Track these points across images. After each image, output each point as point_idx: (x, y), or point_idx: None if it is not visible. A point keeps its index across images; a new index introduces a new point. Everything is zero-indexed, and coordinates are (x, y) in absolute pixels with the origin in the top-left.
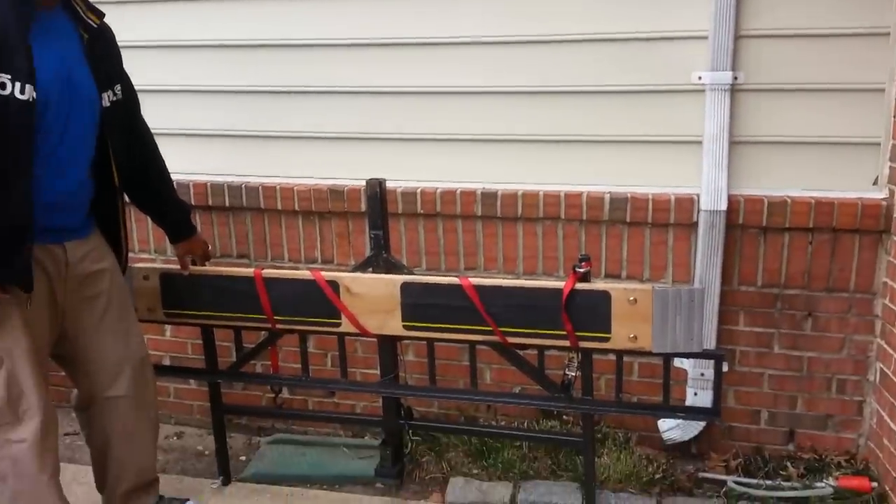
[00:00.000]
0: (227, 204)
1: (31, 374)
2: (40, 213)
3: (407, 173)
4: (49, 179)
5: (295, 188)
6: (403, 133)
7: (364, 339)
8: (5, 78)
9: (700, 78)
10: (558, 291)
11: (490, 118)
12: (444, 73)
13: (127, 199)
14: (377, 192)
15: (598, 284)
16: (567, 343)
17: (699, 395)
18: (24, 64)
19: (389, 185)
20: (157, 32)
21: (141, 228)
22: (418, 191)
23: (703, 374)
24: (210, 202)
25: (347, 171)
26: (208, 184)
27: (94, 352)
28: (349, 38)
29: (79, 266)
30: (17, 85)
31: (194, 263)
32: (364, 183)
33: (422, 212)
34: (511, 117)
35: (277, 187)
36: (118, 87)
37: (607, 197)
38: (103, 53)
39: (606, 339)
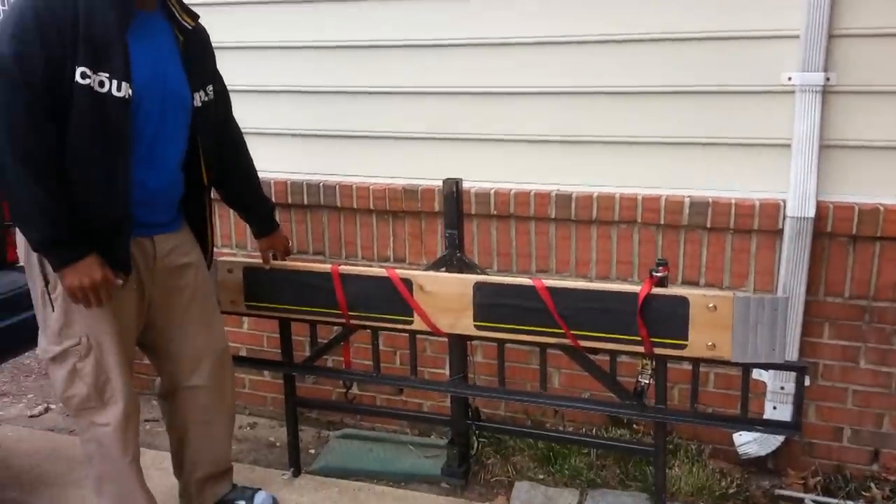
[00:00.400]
0: (305, 202)
1: (117, 362)
2: (132, 209)
3: (481, 174)
4: (143, 175)
5: (371, 187)
6: (478, 133)
7: (433, 338)
8: (103, 76)
9: (790, 79)
10: (634, 295)
11: (567, 119)
12: (520, 74)
13: (214, 194)
14: (453, 191)
15: (676, 290)
16: (641, 349)
17: (778, 409)
18: (121, 63)
19: (464, 185)
20: (247, 35)
21: (224, 224)
22: (492, 191)
23: (783, 388)
24: (289, 200)
25: (422, 170)
26: (288, 182)
27: (178, 342)
28: (429, 39)
29: (166, 259)
30: (115, 83)
31: (275, 258)
32: (438, 183)
33: (495, 213)
34: (588, 118)
35: (354, 186)
36: (210, 88)
37: (687, 201)
38: (197, 54)
39: (683, 347)
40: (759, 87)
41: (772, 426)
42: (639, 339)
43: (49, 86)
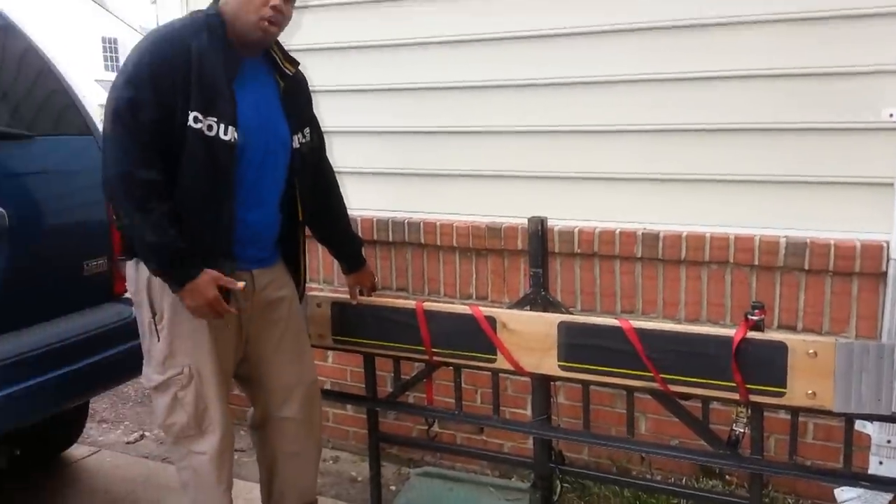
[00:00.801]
0: (390, 239)
1: (216, 393)
2: (234, 244)
3: (565, 211)
4: (245, 213)
5: (454, 225)
6: (562, 171)
7: (514, 377)
8: (212, 120)
9: (891, 115)
10: (728, 339)
11: (653, 157)
12: (604, 112)
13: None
14: (538, 229)
15: (774, 334)
16: (735, 396)
17: (885, 465)
18: (228, 108)
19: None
20: (339, 79)
21: (312, 259)
22: (576, 230)
23: (889, 441)
24: (375, 237)
25: (505, 208)
26: (374, 219)
27: (271, 374)
28: (512, 79)
29: (263, 292)
30: (222, 126)
31: (362, 293)
32: (521, 221)
33: (579, 251)
34: (676, 155)
35: (437, 224)
36: (307, 130)
37: (783, 241)
38: (296, 99)
39: (781, 395)
40: (859, 124)
41: (879, 482)
42: (733, 385)
43: (161, 129)
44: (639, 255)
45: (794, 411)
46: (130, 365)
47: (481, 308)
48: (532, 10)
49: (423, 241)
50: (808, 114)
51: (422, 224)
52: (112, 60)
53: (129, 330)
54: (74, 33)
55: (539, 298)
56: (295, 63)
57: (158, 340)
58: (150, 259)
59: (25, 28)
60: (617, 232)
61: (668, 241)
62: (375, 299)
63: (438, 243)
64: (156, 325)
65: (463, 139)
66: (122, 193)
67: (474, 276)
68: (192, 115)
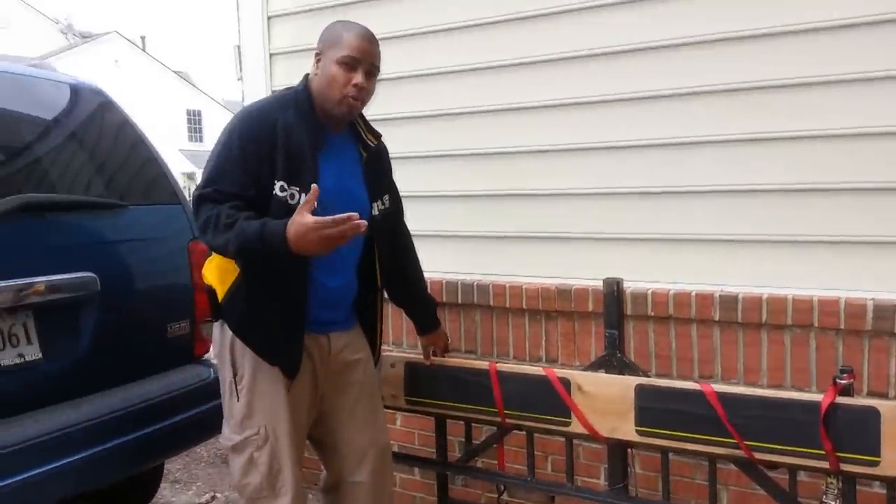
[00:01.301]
0: (459, 301)
1: (290, 454)
2: (312, 308)
3: (638, 273)
4: (322, 278)
5: (524, 287)
6: (634, 233)
7: (586, 444)
8: (294, 190)
9: None
10: (816, 404)
11: (729, 217)
12: (677, 173)
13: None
14: (614, 290)
15: (865, 400)
16: (825, 465)
17: None
18: (311, 179)
19: (603, 288)
20: (411, 146)
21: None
22: (649, 292)
23: None
24: (444, 298)
25: (575, 270)
26: (443, 281)
27: (345, 438)
28: (581, 142)
29: (339, 355)
30: (303, 195)
31: (435, 355)
32: (592, 283)
33: (652, 314)
34: (753, 216)
35: (507, 286)
36: (386, 198)
37: (870, 304)
38: (377, 169)
39: (875, 464)
40: None
41: None
42: (822, 453)
43: (250, 201)
44: (716, 318)
45: (891, 483)
46: (209, 426)
47: (555, 370)
48: (592, 83)
49: (492, 303)
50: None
51: (491, 286)
52: (196, 132)
53: (207, 391)
54: (162, 106)
55: (615, 361)
56: (377, 135)
57: (238, 400)
58: (254, 252)
59: (120, 103)
60: (693, 294)
61: (748, 304)
62: (448, 360)
63: (508, 305)
64: (236, 385)
65: (531, 202)
66: (213, 223)
67: (544, 338)
68: (278, 184)
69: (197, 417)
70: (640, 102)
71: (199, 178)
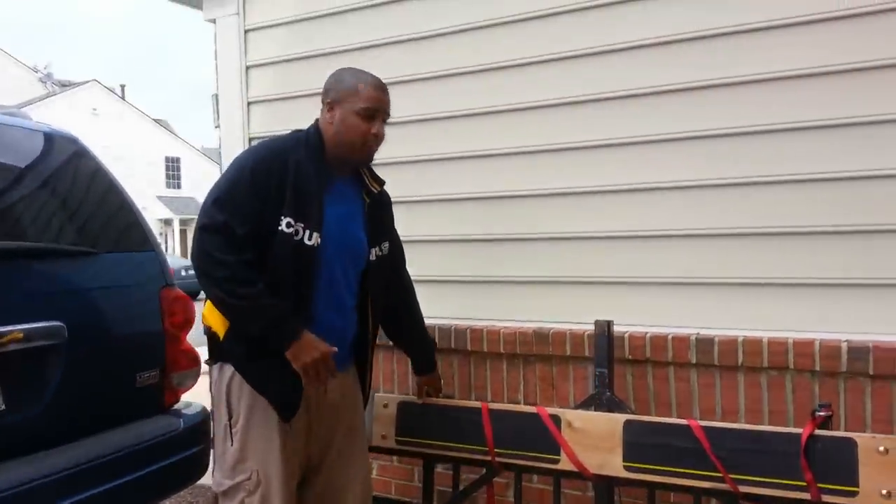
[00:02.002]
0: (436, 346)
1: (281, 498)
2: None
3: (614, 316)
4: (322, 312)
5: (501, 331)
6: (611, 276)
7: (574, 491)
8: (299, 226)
9: None
10: (796, 436)
11: (705, 260)
12: (653, 217)
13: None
14: (605, 331)
15: (842, 432)
16: (806, 496)
17: None
18: (316, 217)
19: (594, 329)
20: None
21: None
22: (626, 335)
23: None
24: None
25: (552, 314)
26: None
27: (329, 480)
28: (551, 188)
29: (334, 396)
30: (307, 232)
31: (429, 395)
32: (569, 327)
33: (629, 357)
34: (728, 259)
35: (484, 330)
36: (385, 244)
37: (844, 346)
38: (379, 215)
39: (853, 494)
40: None
41: None
42: (804, 484)
43: (255, 235)
44: (693, 360)
45: None
46: (179, 478)
47: (546, 408)
48: (557, 133)
49: (469, 347)
50: (867, 217)
51: (468, 331)
52: (174, 178)
53: (177, 443)
54: (140, 153)
55: (604, 399)
56: (381, 182)
57: (232, 444)
58: (258, 320)
59: (97, 151)
60: (669, 337)
61: (724, 347)
62: (441, 399)
63: (485, 349)
64: (231, 429)
65: (508, 247)
66: (215, 274)
67: (522, 383)
68: (285, 220)
69: (166, 470)
70: (609, 149)
71: (176, 225)
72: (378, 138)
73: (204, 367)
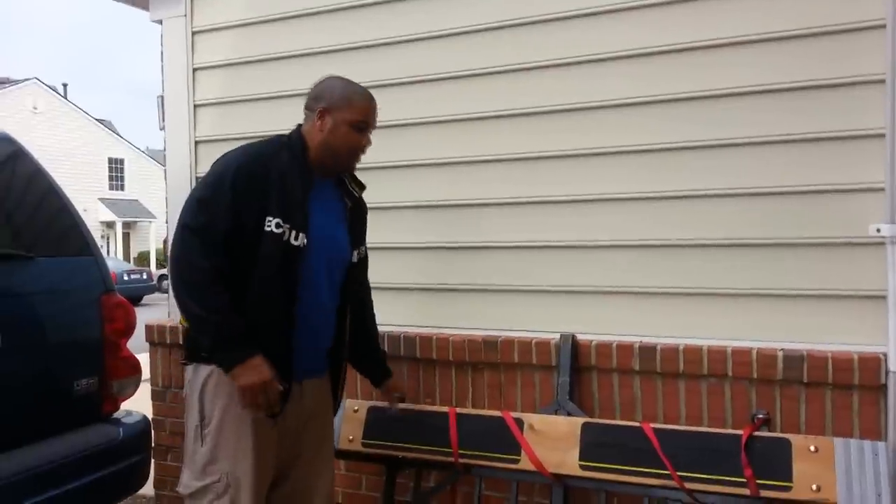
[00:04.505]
0: (387, 354)
1: (250, 502)
2: (294, 351)
3: (560, 325)
4: (306, 312)
5: (450, 339)
6: (557, 285)
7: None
8: (286, 227)
9: (878, 230)
10: (738, 436)
11: (648, 271)
12: (598, 228)
13: None
14: (569, 342)
15: (778, 433)
16: (747, 491)
17: None
18: (302, 218)
19: (543, 336)
20: None
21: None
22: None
23: None
24: None
25: (500, 323)
26: None
27: (296, 491)
28: (501, 197)
29: (308, 402)
30: (294, 233)
31: (402, 400)
32: (517, 335)
33: (576, 364)
34: (671, 270)
35: (434, 338)
36: (363, 248)
37: (780, 354)
38: (358, 218)
39: (788, 489)
40: (847, 238)
41: None
42: (744, 480)
43: (235, 238)
44: (637, 368)
45: None
46: (119, 488)
47: (510, 412)
48: (504, 144)
49: (419, 355)
50: (801, 229)
51: (417, 338)
52: (118, 180)
53: (116, 452)
54: (82, 154)
55: (568, 407)
56: (362, 187)
57: (202, 445)
58: (213, 334)
59: (37, 152)
60: (614, 345)
61: (666, 354)
62: (412, 406)
63: (434, 357)
64: (202, 430)
65: (458, 255)
66: (193, 303)
67: (471, 390)
68: (273, 220)
69: (105, 480)
70: (554, 161)
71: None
72: (366, 150)
73: (146, 374)
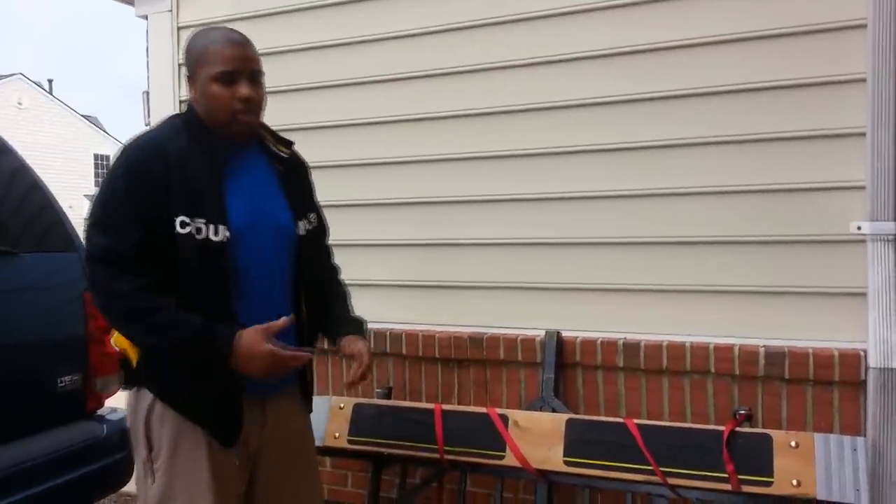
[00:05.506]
0: (372, 349)
1: None
2: None
3: (545, 322)
4: (249, 321)
5: (436, 335)
6: (541, 282)
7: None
8: (200, 223)
9: (859, 228)
10: (720, 432)
11: (632, 269)
12: (580, 225)
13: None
14: (554, 339)
15: (759, 429)
16: (728, 487)
17: None
18: (215, 207)
19: (528, 333)
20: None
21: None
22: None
23: None
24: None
25: (486, 319)
26: None
27: None
28: (488, 195)
29: (276, 424)
30: (211, 227)
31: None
32: (503, 331)
33: (560, 361)
34: (655, 267)
35: (419, 335)
36: (313, 216)
37: (762, 350)
38: (296, 182)
39: (769, 484)
40: (828, 236)
41: None
42: (725, 476)
43: (152, 248)
44: (621, 364)
45: (783, 500)
46: (102, 485)
47: (496, 409)
48: (486, 141)
49: (404, 351)
50: (782, 227)
51: (403, 335)
52: (103, 176)
53: (100, 449)
54: (68, 150)
55: (552, 403)
56: (289, 143)
57: (153, 482)
58: (184, 351)
59: (20, 147)
60: (599, 341)
61: (649, 351)
62: (396, 402)
63: (420, 354)
64: (152, 464)
65: (443, 251)
66: (118, 311)
67: (456, 386)
68: (178, 220)
69: (88, 476)
70: (539, 158)
71: None
72: (250, 102)
73: None
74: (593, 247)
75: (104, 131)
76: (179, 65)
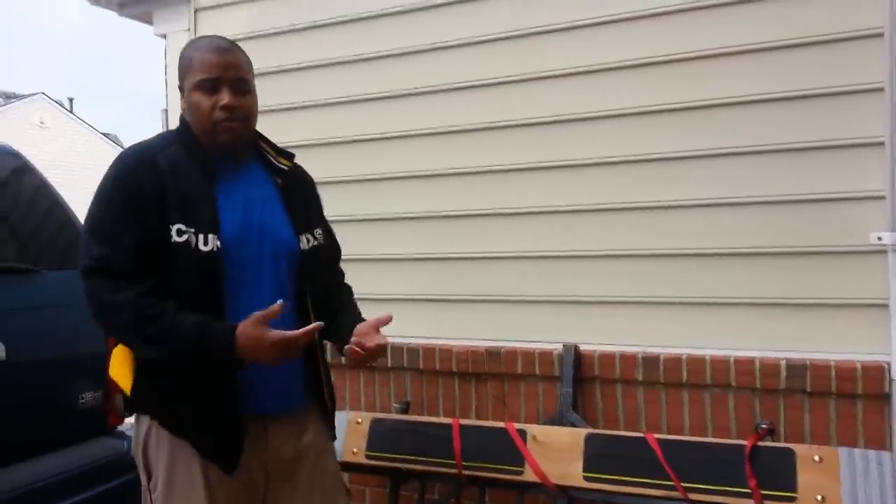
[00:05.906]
0: (389, 364)
1: None
2: (241, 385)
3: (564, 336)
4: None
5: (453, 349)
6: (558, 295)
7: None
8: (189, 232)
9: (880, 238)
10: (742, 446)
11: (650, 281)
12: (599, 238)
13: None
14: (572, 352)
15: (782, 443)
16: (751, 502)
17: None
18: (207, 216)
19: (546, 347)
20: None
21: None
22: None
23: None
24: (375, 363)
25: (504, 333)
26: None
27: None
28: (504, 207)
29: (283, 449)
30: (201, 237)
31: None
32: (520, 345)
33: (579, 375)
34: (673, 279)
35: (437, 349)
36: (318, 231)
37: (783, 363)
38: (298, 196)
39: (793, 500)
40: (848, 247)
41: None
42: (748, 491)
43: (149, 256)
44: (640, 378)
45: None
46: (124, 501)
47: (513, 423)
48: (496, 155)
49: (421, 366)
50: (802, 238)
51: (420, 349)
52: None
53: (120, 465)
54: (88, 167)
55: (571, 417)
56: (290, 156)
57: None
58: (188, 352)
59: (42, 165)
60: (617, 355)
61: (669, 364)
62: (413, 416)
63: (438, 368)
64: (151, 493)
65: (461, 265)
66: (118, 321)
67: (474, 400)
68: (174, 228)
69: (108, 493)
70: (555, 171)
71: None
72: (232, 110)
73: None
74: (611, 259)
75: (123, 148)
76: None
